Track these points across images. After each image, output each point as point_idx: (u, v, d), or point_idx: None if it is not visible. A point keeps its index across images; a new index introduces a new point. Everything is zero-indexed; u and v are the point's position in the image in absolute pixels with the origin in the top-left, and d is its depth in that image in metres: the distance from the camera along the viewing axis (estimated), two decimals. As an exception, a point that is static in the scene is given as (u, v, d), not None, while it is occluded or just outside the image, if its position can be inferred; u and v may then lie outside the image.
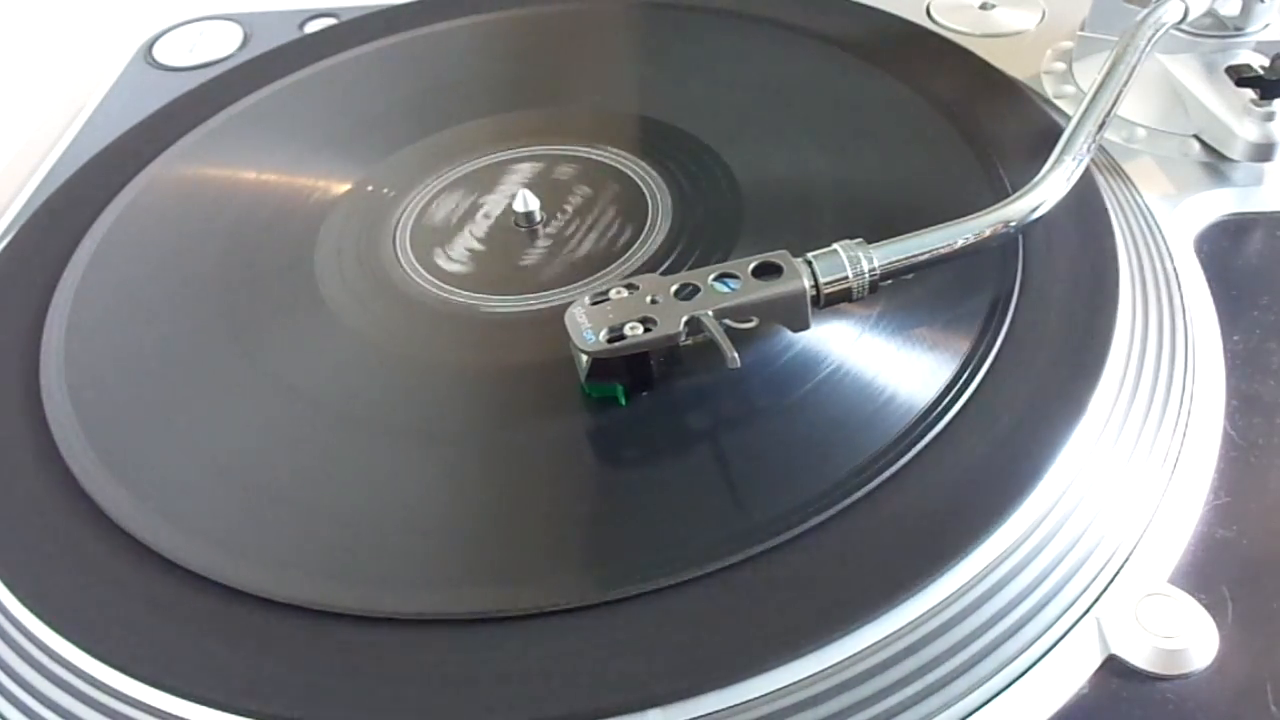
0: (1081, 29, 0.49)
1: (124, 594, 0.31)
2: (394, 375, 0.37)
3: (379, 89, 0.51)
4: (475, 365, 0.37)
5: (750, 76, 0.48)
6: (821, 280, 0.34)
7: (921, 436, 0.32)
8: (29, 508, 0.34)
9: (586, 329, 0.33)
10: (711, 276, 0.34)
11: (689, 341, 0.33)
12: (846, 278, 0.34)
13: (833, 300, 0.34)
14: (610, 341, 0.32)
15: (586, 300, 0.34)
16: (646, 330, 0.33)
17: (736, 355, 0.31)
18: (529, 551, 0.31)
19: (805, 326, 0.34)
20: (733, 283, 0.33)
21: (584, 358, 0.33)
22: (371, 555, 0.31)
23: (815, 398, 0.34)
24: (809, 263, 0.34)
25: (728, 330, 0.32)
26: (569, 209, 0.43)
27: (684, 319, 0.33)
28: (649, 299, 0.33)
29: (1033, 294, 0.36)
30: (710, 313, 0.33)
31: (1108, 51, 0.41)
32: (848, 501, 0.31)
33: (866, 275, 0.34)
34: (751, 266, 0.34)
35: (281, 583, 0.30)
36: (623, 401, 0.34)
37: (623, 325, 0.33)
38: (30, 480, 0.34)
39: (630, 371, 0.34)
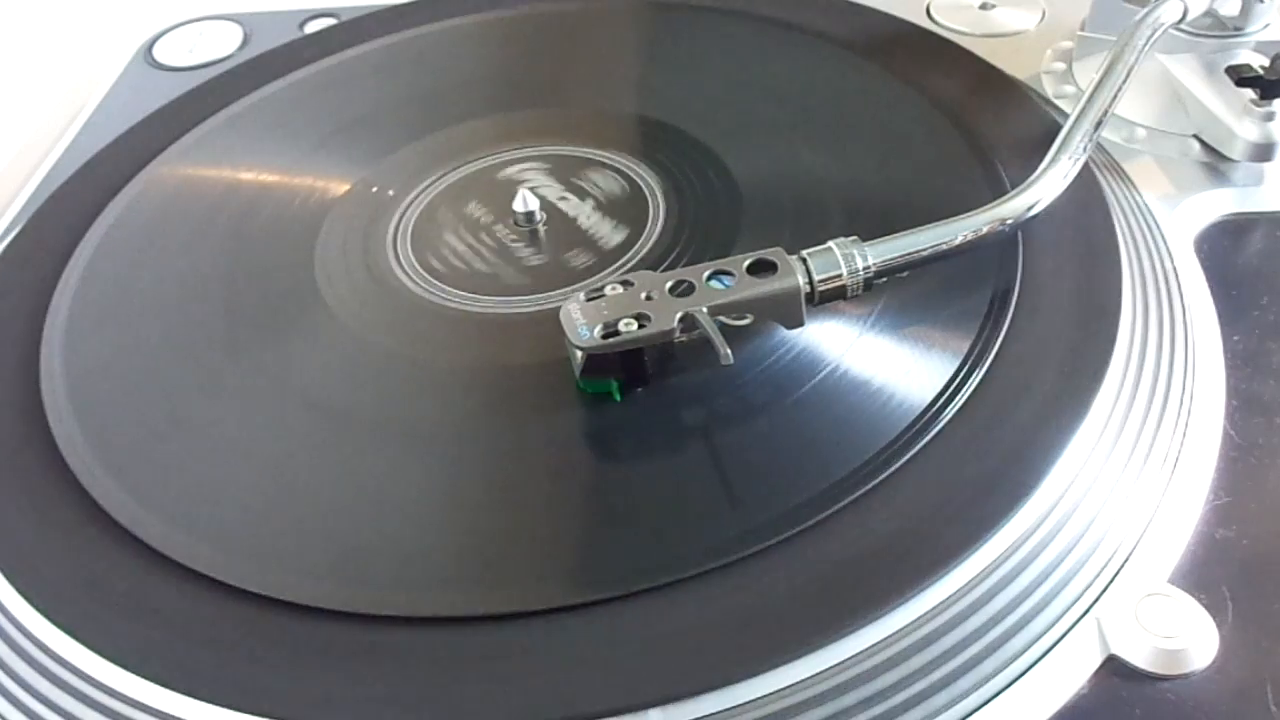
0: (1081, 29, 0.49)
1: (124, 594, 0.31)
2: (393, 375, 0.37)
3: (379, 89, 0.51)
4: (475, 365, 0.37)
5: (750, 76, 0.48)
6: (816, 278, 0.34)
7: (921, 436, 0.32)
8: (29, 507, 0.34)
9: (581, 325, 0.33)
10: (706, 274, 0.34)
11: (683, 338, 0.33)
12: (841, 275, 0.34)
13: (827, 297, 0.34)
14: (605, 338, 0.33)
15: (581, 296, 0.34)
16: (641, 326, 0.33)
17: (730, 352, 0.31)
18: (528, 551, 0.31)
19: (800, 324, 0.34)
20: (727, 280, 0.34)
21: (579, 354, 0.33)
22: (370, 555, 0.31)
23: (814, 396, 0.34)
24: (803, 260, 0.34)
25: (722, 327, 0.33)
26: (568, 209, 0.43)
27: (678, 315, 0.33)
28: (644, 295, 0.33)
29: (1033, 294, 0.36)
30: (704, 309, 0.33)
31: (1107, 51, 0.41)
32: (847, 501, 0.31)
33: (861, 273, 0.34)
34: (746, 264, 0.34)
35: (281, 583, 0.30)
36: (617, 397, 0.34)
37: (617, 321, 0.33)
38: (30, 480, 0.34)
39: (625, 367, 0.34)
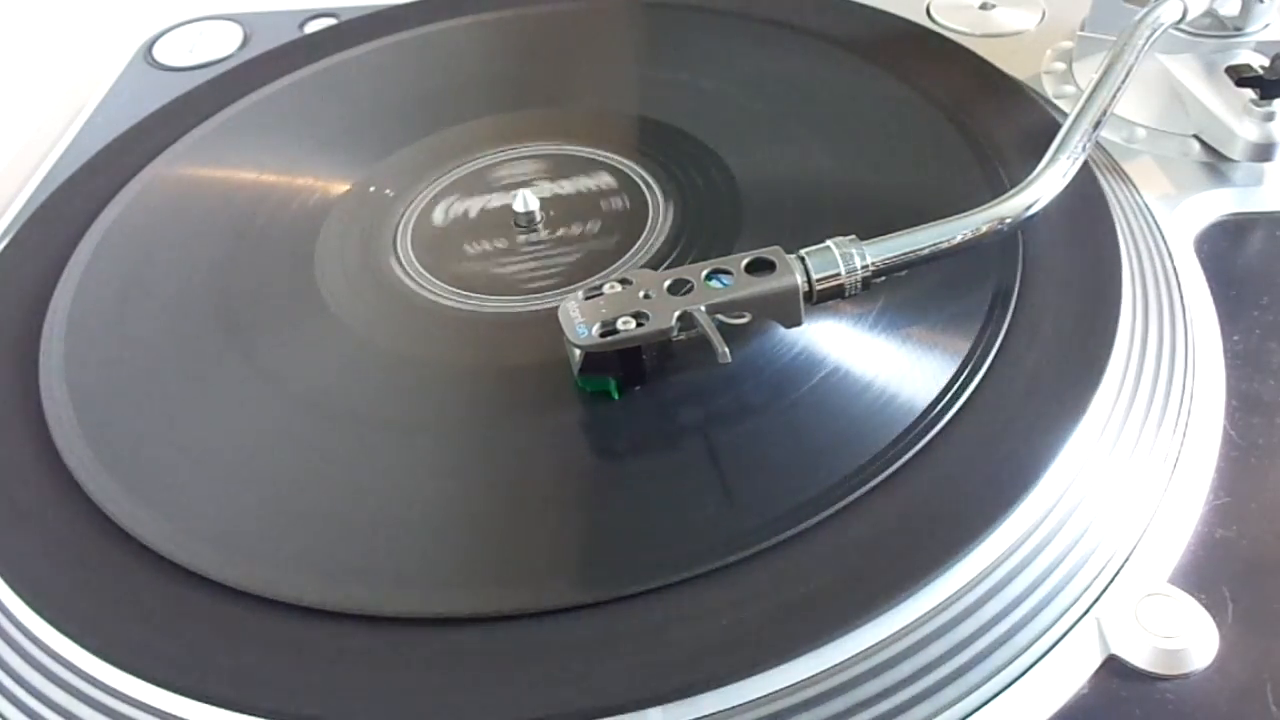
0: (1081, 29, 0.49)
1: (124, 594, 0.31)
2: (393, 375, 0.37)
3: (379, 89, 0.51)
4: (474, 365, 0.37)
5: (750, 76, 0.48)
6: (814, 276, 0.34)
7: (921, 436, 0.32)
8: (29, 507, 0.34)
9: (580, 323, 0.33)
10: (704, 272, 0.34)
11: (681, 336, 0.33)
12: (839, 274, 0.34)
13: (825, 296, 0.34)
14: (603, 336, 0.33)
15: (580, 295, 0.34)
16: (639, 325, 0.33)
17: (727, 350, 0.31)
18: (528, 551, 0.31)
19: (798, 323, 0.34)
20: (725, 279, 0.34)
21: (577, 352, 0.33)
22: (370, 555, 0.31)
23: (813, 397, 0.34)
24: (802, 259, 0.34)
25: (720, 326, 0.33)
26: (568, 209, 0.43)
27: (676, 314, 0.33)
28: (642, 294, 0.33)
29: (1033, 293, 0.36)
30: (703, 308, 0.33)
31: (1107, 51, 0.41)
32: (847, 501, 0.31)
33: (859, 272, 0.34)
34: (744, 262, 0.34)
35: (281, 583, 0.30)
36: (615, 395, 0.34)
37: (615, 320, 0.33)
38: (30, 480, 0.34)
39: (623, 366, 0.34)
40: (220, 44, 0.60)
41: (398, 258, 0.41)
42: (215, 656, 0.29)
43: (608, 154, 0.45)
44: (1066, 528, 0.31)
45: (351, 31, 0.55)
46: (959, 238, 0.35)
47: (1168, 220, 0.42)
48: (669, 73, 0.50)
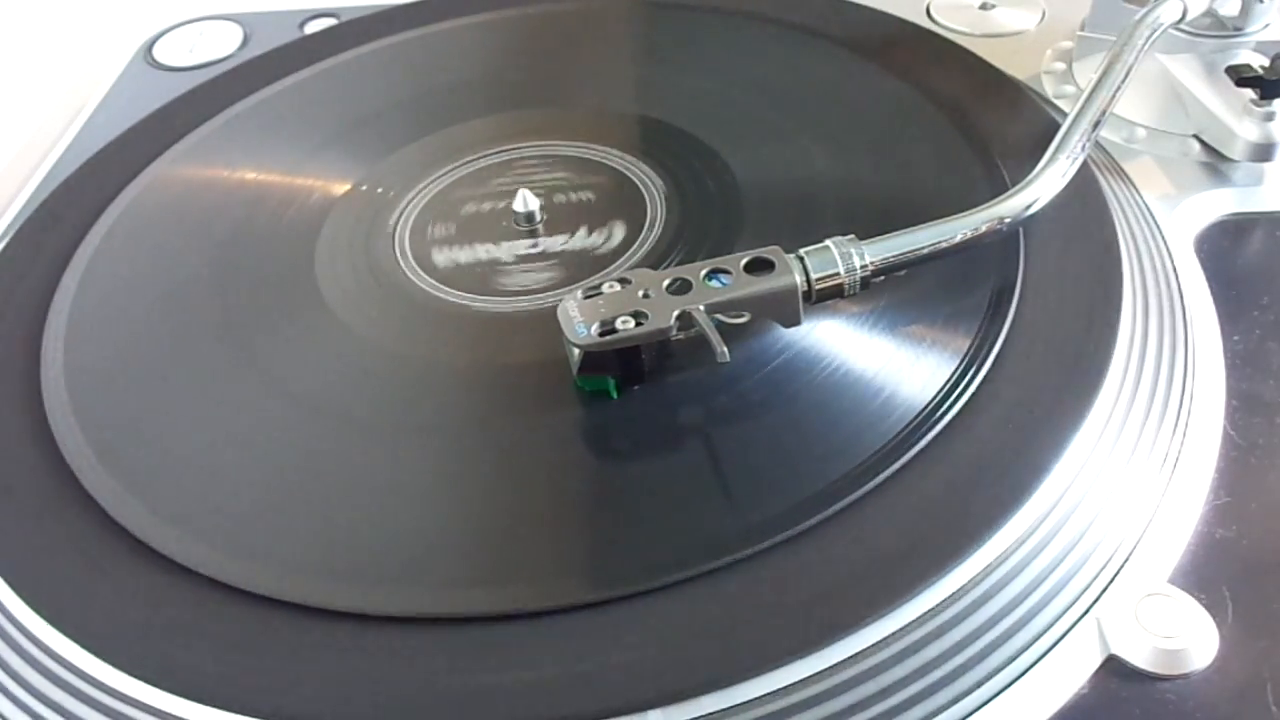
0: (1081, 29, 0.49)
1: (124, 594, 0.31)
2: (393, 375, 0.37)
3: (379, 89, 0.51)
4: (474, 365, 0.37)
5: (750, 76, 0.48)
6: (813, 276, 0.34)
7: (922, 436, 0.32)
8: (29, 507, 0.34)
9: (579, 323, 0.33)
10: (704, 272, 0.34)
11: (680, 336, 0.33)
12: (838, 274, 0.34)
13: (825, 296, 0.34)
14: (602, 335, 0.33)
15: (579, 294, 0.34)
16: (638, 324, 0.33)
17: (726, 350, 0.31)
18: (529, 551, 0.31)
19: (797, 323, 0.34)
20: (725, 278, 0.34)
21: (576, 351, 0.33)
22: (371, 555, 0.31)
23: (815, 396, 0.34)
24: (801, 259, 0.34)
25: (719, 325, 0.33)
26: (568, 209, 0.43)
27: (675, 313, 0.33)
28: (641, 293, 0.33)
29: (1034, 293, 0.36)
30: (702, 307, 0.33)
31: (1107, 51, 0.41)
32: (847, 500, 0.31)
33: (859, 271, 0.34)
34: (744, 262, 0.34)
35: (281, 583, 0.30)
36: (614, 395, 0.34)
37: (614, 319, 0.33)
38: (30, 480, 0.34)
39: (622, 365, 0.34)
40: (220, 44, 0.60)
41: (397, 257, 0.41)
42: (215, 656, 0.29)
43: (608, 153, 0.45)
44: (1067, 528, 0.31)
45: (351, 31, 0.55)
46: (959, 237, 0.35)
47: (1168, 220, 0.42)
48: (669, 73, 0.50)
